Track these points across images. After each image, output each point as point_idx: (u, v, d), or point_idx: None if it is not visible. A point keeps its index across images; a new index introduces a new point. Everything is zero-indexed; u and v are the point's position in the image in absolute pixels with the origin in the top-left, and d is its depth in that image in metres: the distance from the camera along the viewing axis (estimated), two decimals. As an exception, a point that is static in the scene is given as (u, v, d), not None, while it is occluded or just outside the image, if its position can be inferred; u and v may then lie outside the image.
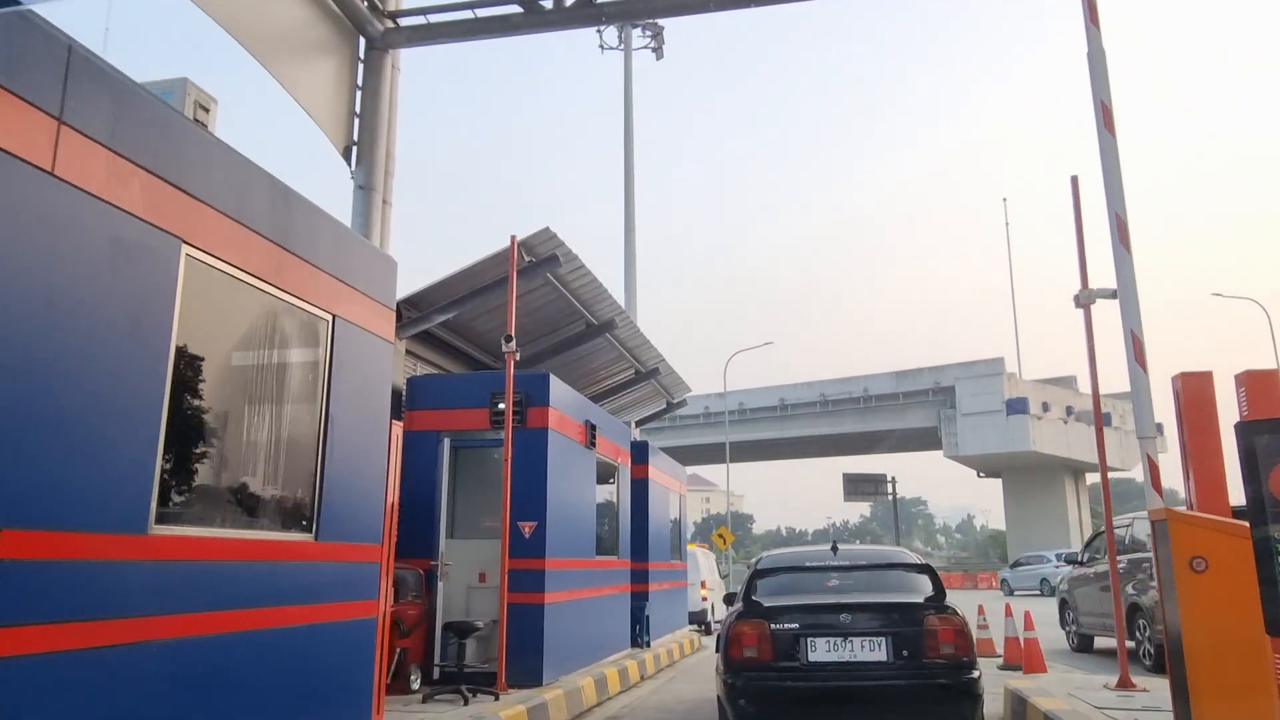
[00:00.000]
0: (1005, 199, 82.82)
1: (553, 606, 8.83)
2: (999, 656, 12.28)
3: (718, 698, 6.39)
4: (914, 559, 7.13)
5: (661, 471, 15.04)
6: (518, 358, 8.51)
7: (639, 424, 18.52)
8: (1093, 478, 71.03)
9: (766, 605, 6.28)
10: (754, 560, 7.89)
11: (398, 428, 6.08)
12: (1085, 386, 64.02)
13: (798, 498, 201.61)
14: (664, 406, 18.14)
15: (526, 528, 8.79)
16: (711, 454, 65.58)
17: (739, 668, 6.00)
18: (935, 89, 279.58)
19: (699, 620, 19.87)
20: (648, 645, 13.07)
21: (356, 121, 9.34)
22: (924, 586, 6.49)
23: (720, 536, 40.39)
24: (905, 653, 5.80)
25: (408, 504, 9.02)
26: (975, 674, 5.89)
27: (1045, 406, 56.09)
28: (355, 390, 5.31)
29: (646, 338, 13.88)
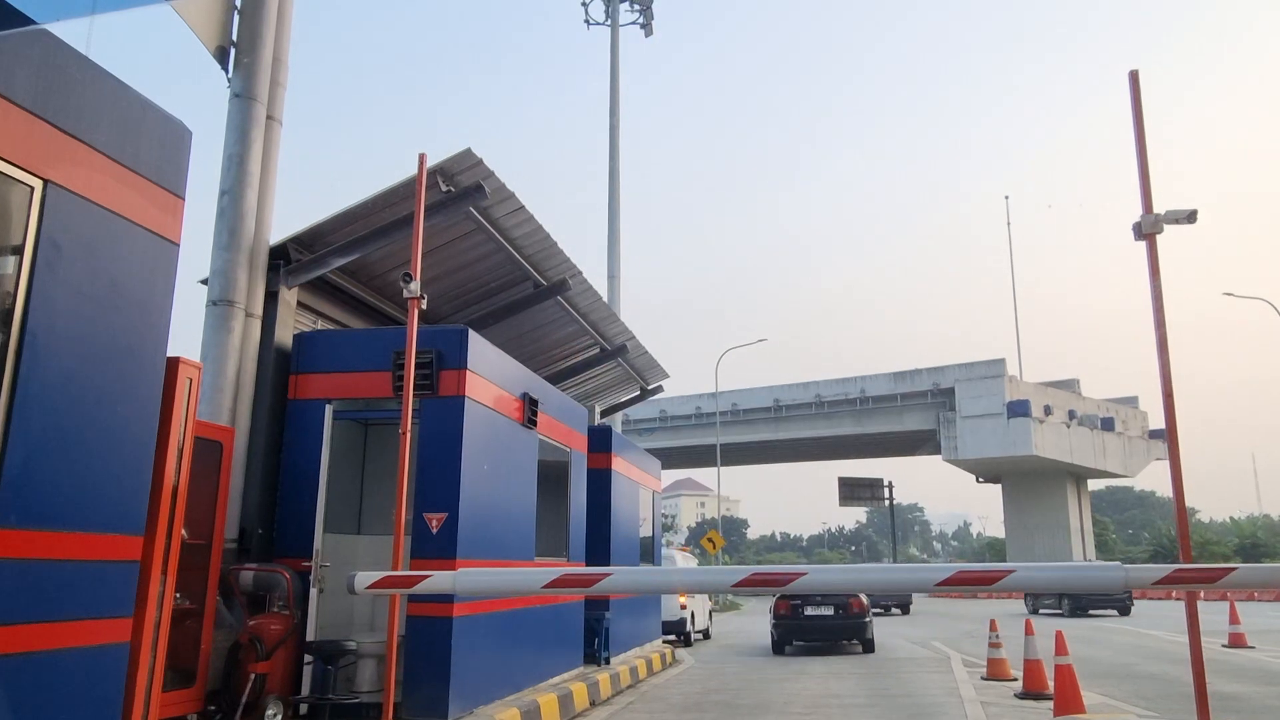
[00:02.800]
0: (1008, 197, 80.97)
1: (467, 620, 7.03)
2: (1015, 680, 10.48)
3: (770, 630, 15.32)
4: None
5: (630, 464, 13.24)
6: (424, 305, 6.70)
7: (608, 412, 16.70)
8: (1094, 484, 69.13)
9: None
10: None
11: (191, 369, 4.28)
12: (1088, 390, 62.22)
13: (793, 502, 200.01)
14: (638, 393, 16.33)
15: (434, 520, 6.99)
16: (704, 456, 63.70)
17: (779, 617, 15.00)
18: (939, 82, 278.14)
19: (677, 631, 18.00)
20: (607, 662, 11.26)
21: (236, 18, 7.58)
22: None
23: (710, 540, 38.72)
24: (840, 610, 14.65)
25: (290, 490, 7.24)
26: (867, 619, 14.86)
27: (1047, 410, 54.29)
28: (91, 300, 3.52)
29: (611, 309, 12.10)
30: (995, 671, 10.87)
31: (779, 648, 15.12)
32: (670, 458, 68.53)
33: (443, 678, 6.66)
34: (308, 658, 6.54)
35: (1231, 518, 76.21)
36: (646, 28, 31.86)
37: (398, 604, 6.24)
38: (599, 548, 11.49)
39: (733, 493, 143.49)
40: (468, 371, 7.24)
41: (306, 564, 6.75)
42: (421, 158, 6.96)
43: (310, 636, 6.64)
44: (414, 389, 7.10)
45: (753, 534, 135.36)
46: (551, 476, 10.19)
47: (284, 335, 7.60)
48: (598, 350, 13.23)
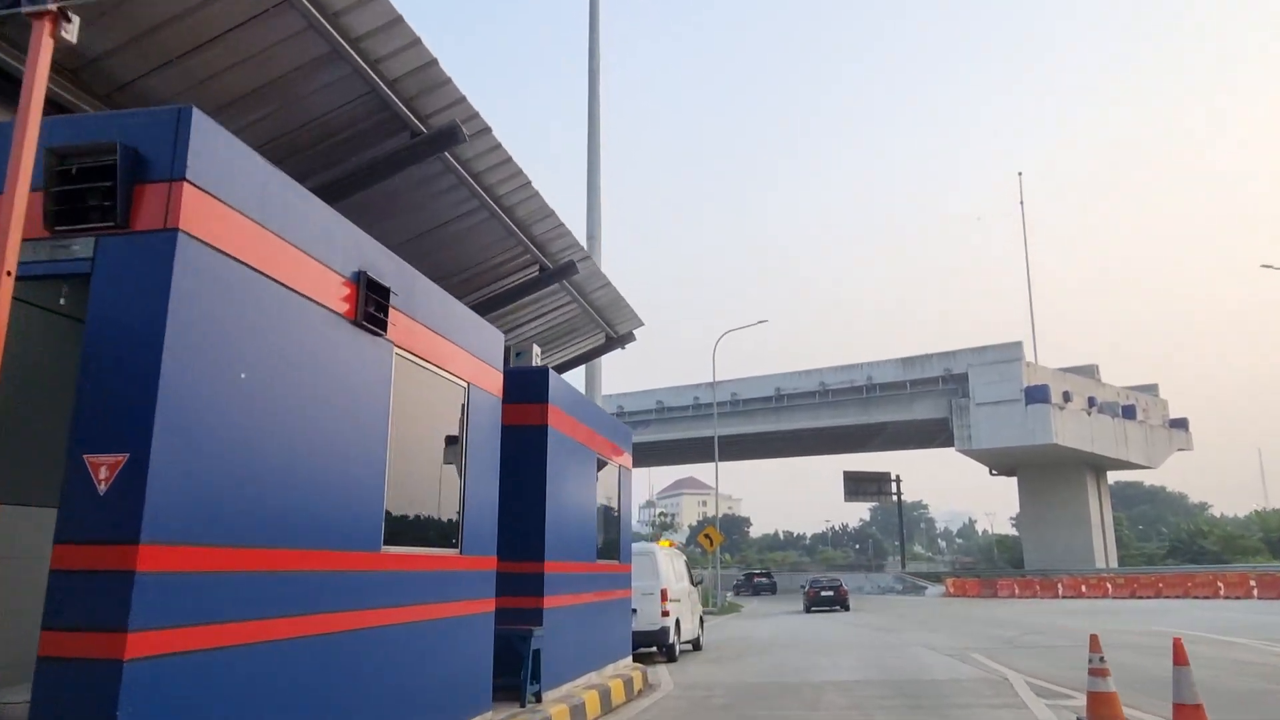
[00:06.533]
0: (1020, 173, 77.35)
1: (170, 662, 3.59)
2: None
3: (803, 603, 37.59)
4: (840, 579, 40.76)
5: (579, 423, 9.76)
6: (71, 35, 3.27)
7: (567, 365, 13.22)
8: (1115, 476, 65.31)
9: (812, 585, 38.85)
10: (811, 579, 42.92)
11: None
12: (1108, 376, 58.60)
13: (796, 500, 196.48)
14: (603, 341, 12.87)
15: (102, 467, 3.56)
16: (702, 450, 60.05)
17: (808, 598, 37.35)
18: (947, 58, 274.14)
19: (658, 643, 14.56)
20: (537, 700, 7.84)
21: None
22: (839, 582, 38.64)
23: (707, 537, 35.59)
24: (834, 593, 36.85)
25: None
26: (847, 597, 37.82)
27: (1066, 396, 50.72)
28: None
29: (547, 205, 8.65)
30: (1101, 712, 7.39)
31: (807, 610, 34.40)
32: (668, 452, 65.00)
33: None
34: None
35: (1257, 510, 72.56)
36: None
37: None
38: (525, 536, 8.05)
39: (735, 491, 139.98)
40: (187, 185, 3.79)
41: None
42: None
43: None
44: (74, 215, 3.72)
45: (755, 532, 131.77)
46: (440, 426, 6.77)
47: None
48: (537, 270, 9.80)
